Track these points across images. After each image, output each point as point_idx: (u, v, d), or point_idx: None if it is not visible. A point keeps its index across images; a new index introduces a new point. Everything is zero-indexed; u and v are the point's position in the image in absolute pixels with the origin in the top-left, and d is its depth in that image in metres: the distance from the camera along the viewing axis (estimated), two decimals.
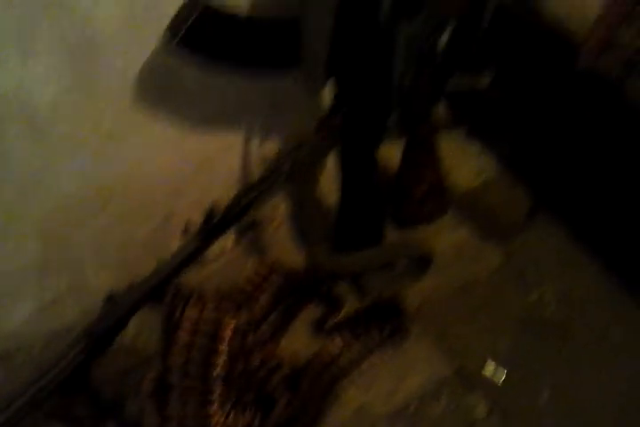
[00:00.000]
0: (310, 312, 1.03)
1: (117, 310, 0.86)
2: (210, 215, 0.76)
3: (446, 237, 1.09)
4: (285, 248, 1.10)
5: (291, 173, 0.82)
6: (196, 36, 0.68)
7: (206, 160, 0.98)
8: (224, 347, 0.81)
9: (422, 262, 1.05)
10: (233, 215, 0.77)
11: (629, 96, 0.79)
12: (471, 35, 0.85)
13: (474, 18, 0.84)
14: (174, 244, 1.01)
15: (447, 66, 0.87)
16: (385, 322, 1.01)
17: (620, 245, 1.00)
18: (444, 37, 0.84)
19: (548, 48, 0.88)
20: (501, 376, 0.96)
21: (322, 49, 0.72)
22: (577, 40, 0.82)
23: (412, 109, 0.88)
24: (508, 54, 0.91)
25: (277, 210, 1.11)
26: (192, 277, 1.05)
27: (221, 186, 1.03)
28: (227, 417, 0.83)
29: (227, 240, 1.11)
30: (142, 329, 0.96)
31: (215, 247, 1.03)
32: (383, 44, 0.79)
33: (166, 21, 0.70)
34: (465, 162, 1.15)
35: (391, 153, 0.97)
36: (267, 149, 1.02)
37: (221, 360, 0.81)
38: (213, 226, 0.77)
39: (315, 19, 0.71)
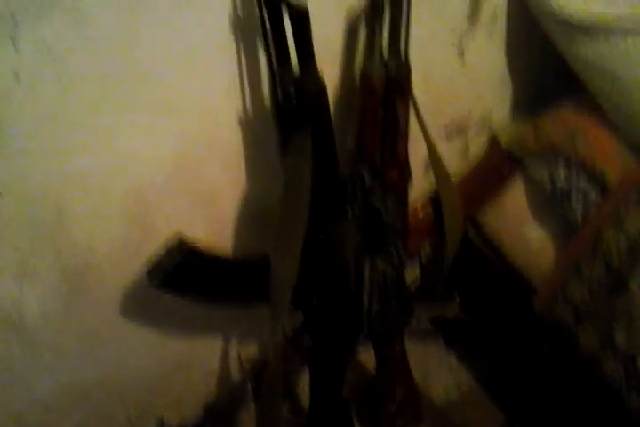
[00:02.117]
0: None
1: None
2: None
3: None
4: None
5: (255, 391, 0.86)
6: (174, 279, 0.76)
7: (184, 361, 1.02)
8: None
9: None
10: None
11: (581, 344, 0.83)
12: (436, 269, 0.93)
13: (439, 255, 0.92)
14: None
15: (415, 296, 0.94)
16: None
17: None
18: (411, 273, 0.92)
19: (509, 287, 0.95)
20: None
21: (287, 289, 0.78)
22: (533, 287, 0.89)
23: (380, 334, 0.93)
24: (472, 286, 0.97)
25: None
26: None
27: (198, 385, 1.06)
28: None
29: None
30: None
31: None
32: (350, 278, 0.86)
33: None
34: (442, 374, 1.16)
35: (368, 358, 1.01)
36: (246, 351, 1.07)
37: None
38: None
39: (282, 261, 0.78)
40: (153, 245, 0.79)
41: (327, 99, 0.73)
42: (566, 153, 0.84)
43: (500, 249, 0.95)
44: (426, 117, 0.82)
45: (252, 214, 0.88)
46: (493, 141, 0.97)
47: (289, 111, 0.72)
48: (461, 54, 0.91)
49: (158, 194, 0.80)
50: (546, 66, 0.97)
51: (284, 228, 0.77)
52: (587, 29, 0.79)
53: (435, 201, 0.89)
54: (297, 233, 0.77)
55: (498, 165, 0.94)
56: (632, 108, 0.80)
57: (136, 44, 0.67)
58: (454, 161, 1.02)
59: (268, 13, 0.67)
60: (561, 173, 0.85)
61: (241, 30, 0.71)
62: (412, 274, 1.04)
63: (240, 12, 0.70)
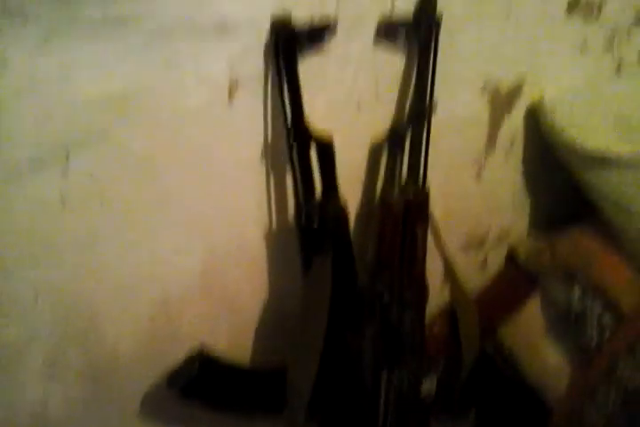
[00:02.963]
0: None
1: None
2: None
3: None
4: None
5: None
6: (194, 388, 0.78)
7: None
8: None
9: None
10: None
11: None
12: (453, 383, 0.93)
13: (455, 369, 0.93)
14: None
15: (431, 409, 0.94)
16: None
17: None
18: (427, 385, 0.92)
19: (526, 404, 0.95)
20: None
21: (304, 398, 0.80)
22: (549, 406, 0.89)
23: None
24: (489, 401, 0.97)
25: None
26: None
27: None
28: None
29: None
30: None
31: None
32: (367, 391, 0.87)
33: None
34: None
35: None
36: None
37: None
38: None
39: (299, 372, 0.80)
40: (176, 349, 0.82)
41: (347, 223, 0.78)
42: (581, 278, 0.86)
43: (518, 365, 0.96)
44: (444, 233, 0.85)
45: (272, 322, 0.91)
46: (511, 256, 1.00)
47: (311, 232, 0.77)
48: (479, 175, 0.96)
49: (183, 301, 0.83)
50: (562, 186, 1.00)
51: (303, 340, 0.79)
52: (599, 161, 0.83)
53: (452, 315, 0.91)
54: (315, 346, 0.79)
55: (516, 281, 0.97)
56: None
57: (173, 169, 0.72)
58: (472, 273, 1.05)
59: (296, 144, 0.73)
60: (576, 295, 0.87)
61: (270, 157, 0.77)
62: (429, 387, 1.04)
63: (270, 141, 0.76)
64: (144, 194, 0.72)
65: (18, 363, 0.75)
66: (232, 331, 0.90)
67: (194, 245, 0.80)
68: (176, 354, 0.82)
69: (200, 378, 0.78)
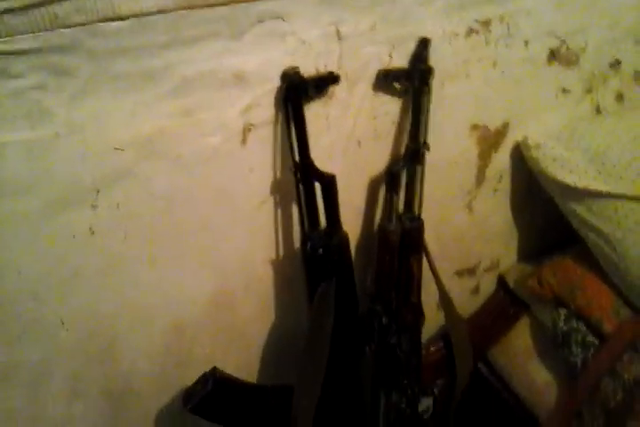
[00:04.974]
0: None
1: None
2: None
3: None
4: None
5: None
6: (207, 406, 0.83)
7: None
8: None
9: None
10: None
11: None
12: (448, 402, 0.99)
13: (450, 388, 0.98)
14: None
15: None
16: None
17: None
18: (425, 405, 0.98)
19: (517, 422, 1.00)
20: None
21: (308, 417, 0.85)
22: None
23: None
24: (483, 420, 1.02)
25: None
26: None
27: None
28: None
29: None
30: None
31: None
32: (367, 410, 0.93)
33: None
34: None
35: None
36: None
37: None
38: None
39: (304, 392, 0.86)
40: (189, 372, 0.88)
41: (349, 250, 0.85)
42: (567, 304, 0.92)
43: (509, 385, 1.01)
44: (438, 263, 0.92)
45: (279, 346, 0.97)
46: (501, 282, 1.06)
47: (316, 259, 0.83)
48: (470, 207, 1.03)
49: (196, 327, 0.89)
50: (549, 217, 1.08)
51: (308, 363, 0.85)
52: (579, 195, 0.90)
53: (446, 338, 0.97)
54: (318, 368, 0.85)
55: (506, 305, 1.03)
56: (620, 263, 0.90)
57: (190, 204, 0.79)
58: (466, 298, 1.12)
59: (302, 180, 0.80)
60: (562, 319, 0.93)
61: (279, 192, 0.84)
62: (427, 406, 1.09)
63: (279, 177, 0.83)
64: (163, 226, 0.79)
65: (44, 381, 0.81)
66: (241, 355, 0.96)
67: (206, 273, 0.86)
68: (188, 376, 0.87)
69: (213, 396, 0.83)
